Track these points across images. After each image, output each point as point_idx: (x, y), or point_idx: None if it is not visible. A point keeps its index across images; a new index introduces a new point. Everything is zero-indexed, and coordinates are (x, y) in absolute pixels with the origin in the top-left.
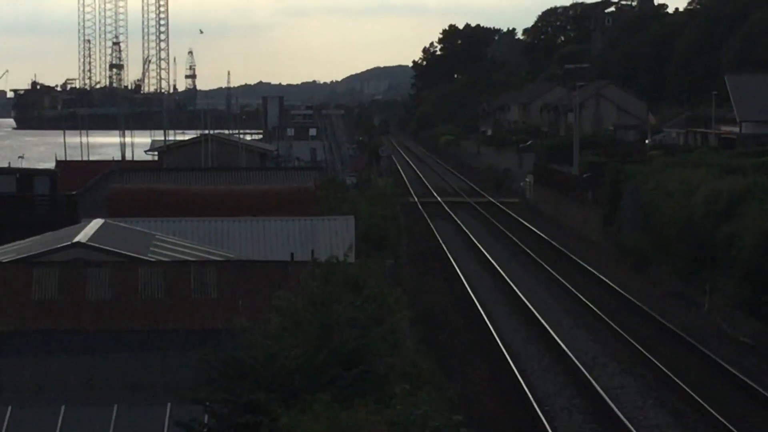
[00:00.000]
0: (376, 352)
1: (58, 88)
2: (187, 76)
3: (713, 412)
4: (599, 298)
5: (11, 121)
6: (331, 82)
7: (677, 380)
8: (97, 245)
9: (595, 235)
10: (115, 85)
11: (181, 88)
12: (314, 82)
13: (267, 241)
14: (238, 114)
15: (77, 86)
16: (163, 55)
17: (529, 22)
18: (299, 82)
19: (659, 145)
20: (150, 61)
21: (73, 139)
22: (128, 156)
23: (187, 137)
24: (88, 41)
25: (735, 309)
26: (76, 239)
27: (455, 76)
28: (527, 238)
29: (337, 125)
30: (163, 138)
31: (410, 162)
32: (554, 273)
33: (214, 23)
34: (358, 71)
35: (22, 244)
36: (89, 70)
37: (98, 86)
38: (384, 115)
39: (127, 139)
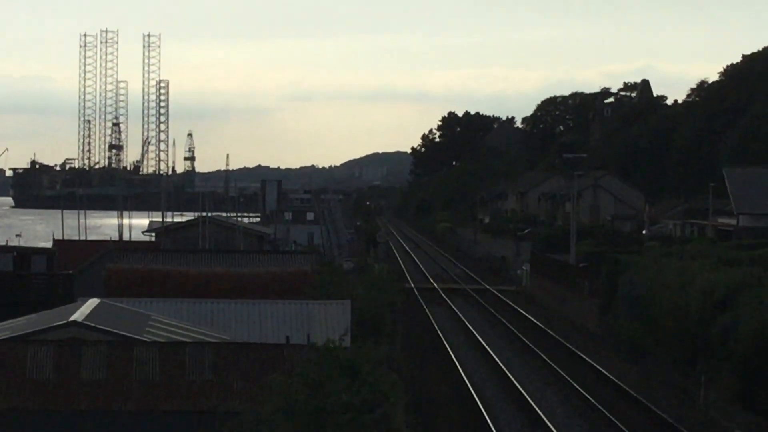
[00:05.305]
0: None
1: (57, 168)
2: (186, 158)
3: None
4: (594, 388)
5: (10, 200)
6: (330, 166)
7: None
8: (92, 324)
9: (592, 325)
10: (114, 165)
11: (179, 169)
12: (313, 166)
13: (263, 324)
14: (237, 197)
15: (76, 166)
16: (162, 136)
17: (529, 111)
18: (298, 167)
19: (656, 236)
20: (149, 143)
21: (72, 218)
22: (126, 237)
23: (185, 219)
24: (88, 121)
25: (730, 401)
26: (72, 318)
27: (454, 163)
28: (523, 326)
29: (334, 210)
30: (161, 219)
31: (407, 248)
32: (550, 362)
33: (216, 106)
34: (357, 156)
35: (18, 322)
36: (89, 150)
37: (97, 166)
38: (382, 201)
39: (125, 220)
